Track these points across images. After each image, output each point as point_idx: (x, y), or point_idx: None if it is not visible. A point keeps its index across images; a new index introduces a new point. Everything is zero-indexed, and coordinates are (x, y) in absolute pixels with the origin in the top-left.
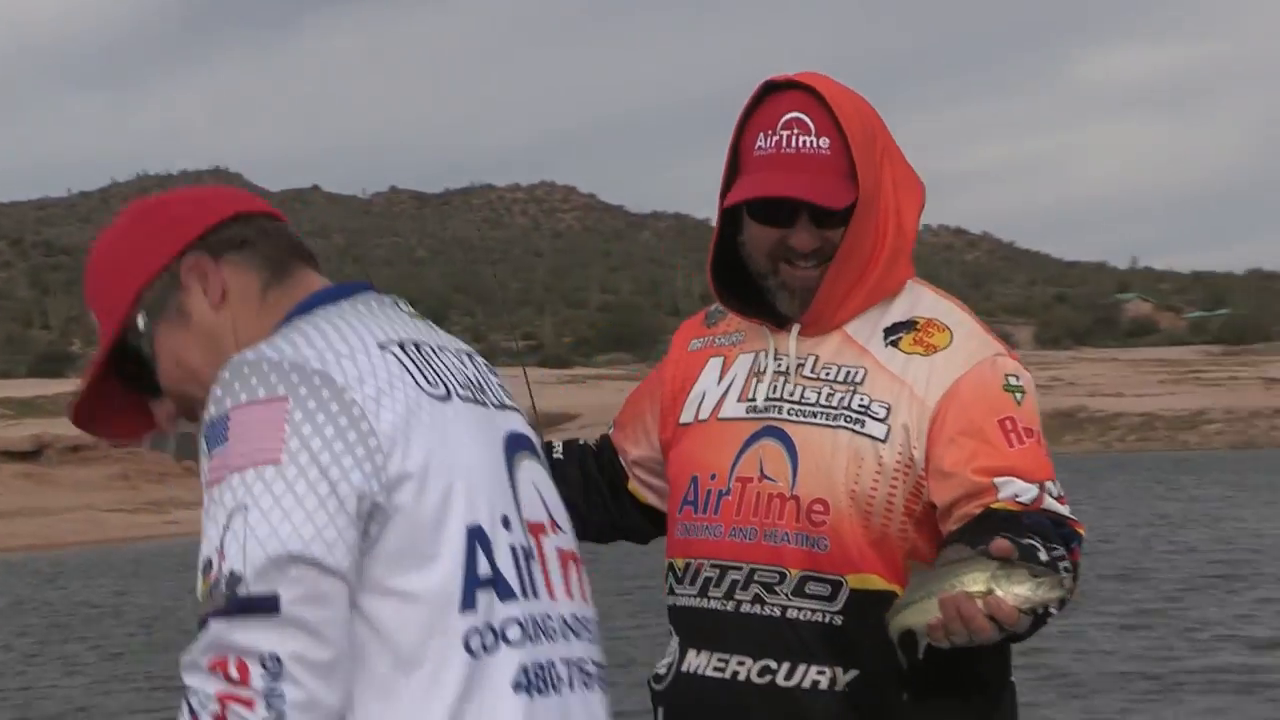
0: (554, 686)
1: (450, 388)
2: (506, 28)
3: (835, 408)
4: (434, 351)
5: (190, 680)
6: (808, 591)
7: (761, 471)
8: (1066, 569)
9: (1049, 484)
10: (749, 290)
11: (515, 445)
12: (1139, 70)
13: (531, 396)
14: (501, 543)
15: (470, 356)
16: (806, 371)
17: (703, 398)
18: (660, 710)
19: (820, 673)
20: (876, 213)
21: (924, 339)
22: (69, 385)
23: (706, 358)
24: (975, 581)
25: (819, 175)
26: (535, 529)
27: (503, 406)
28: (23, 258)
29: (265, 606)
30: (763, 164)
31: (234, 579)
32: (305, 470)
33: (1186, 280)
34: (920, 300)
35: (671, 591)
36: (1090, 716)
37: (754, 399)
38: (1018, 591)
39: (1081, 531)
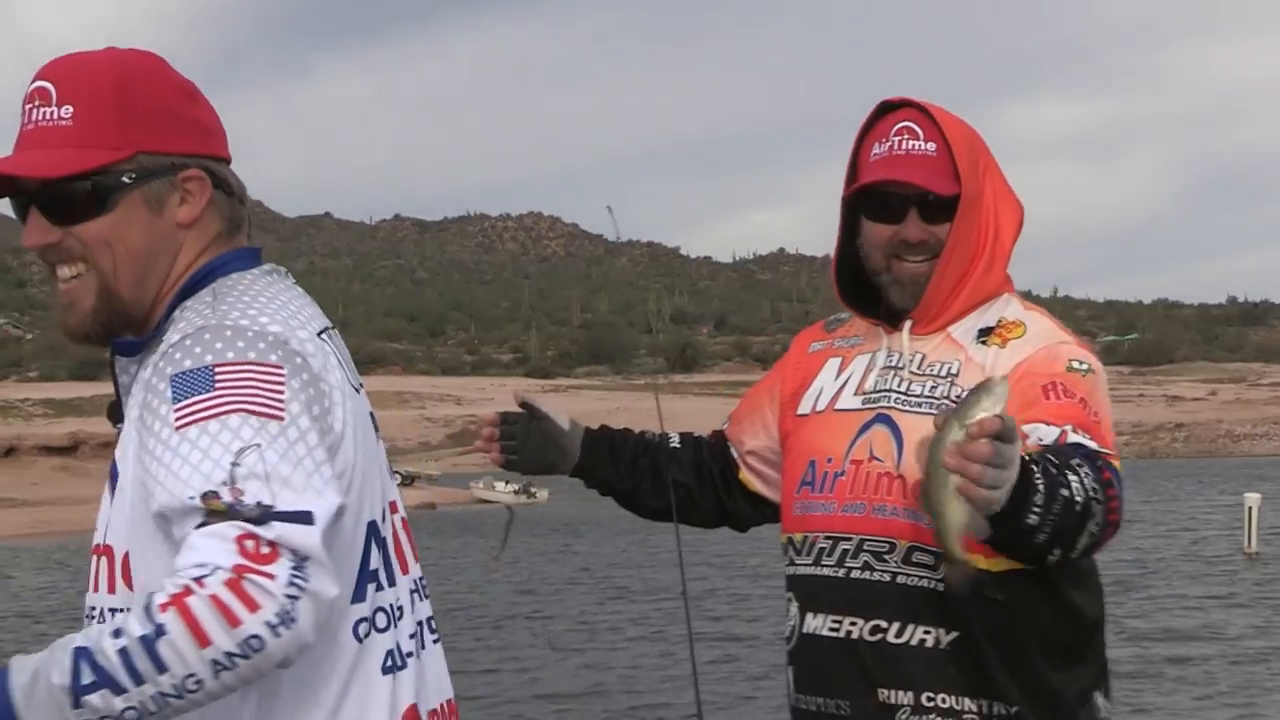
0: (409, 656)
1: (356, 380)
2: (501, 75)
3: (936, 398)
4: (335, 335)
5: (203, 553)
6: (914, 560)
7: (871, 453)
8: (1091, 483)
9: (1073, 428)
10: (866, 294)
11: (376, 428)
12: (1062, 121)
13: (660, 417)
14: (386, 533)
15: (340, 338)
16: (914, 368)
17: (820, 391)
18: (790, 669)
19: (926, 632)
20: (979, 212)
21: (1003, 334)
22: (105, 387)
23: (825, 358)
24: (949, 436)
25: (927, 170)
26: (392, 508)
27: (359, 389)
28: None
29: (301, 519)
30: (877, 166)
31: (263, 506)
32: (304, 435)
33: (1100, 308)
34: (1009, 307)
35: (791, 563)
36: None
37: (868, 391)
38: (979, 407)
39: (1110, 456)
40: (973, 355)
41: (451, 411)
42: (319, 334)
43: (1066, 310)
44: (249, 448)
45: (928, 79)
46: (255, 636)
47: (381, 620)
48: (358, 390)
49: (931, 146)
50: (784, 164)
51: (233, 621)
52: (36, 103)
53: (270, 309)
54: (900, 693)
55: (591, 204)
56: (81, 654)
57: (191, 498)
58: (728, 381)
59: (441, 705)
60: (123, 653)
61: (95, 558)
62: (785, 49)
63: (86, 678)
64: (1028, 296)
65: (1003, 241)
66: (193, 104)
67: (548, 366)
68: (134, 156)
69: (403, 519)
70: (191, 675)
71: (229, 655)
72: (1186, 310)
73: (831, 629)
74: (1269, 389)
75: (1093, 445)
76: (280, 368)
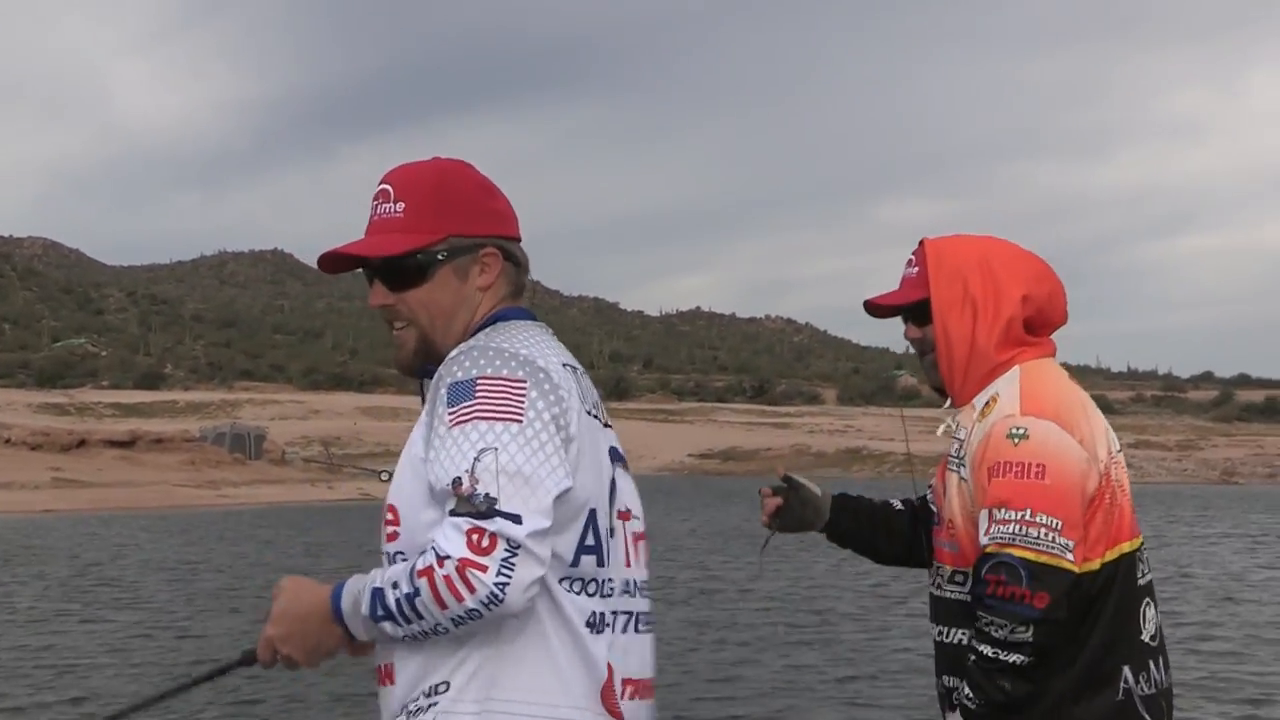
0: (615, 628)
1: (590, 405)
2: (486, 162)
3: (955, 457)
4: (582, 374)
5: (445, 541)
6: (955, 580)
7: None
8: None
9: (996, 511)
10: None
11: (614, 455)
12: (922, 215)
13: (907, 437)
14: (603, 523)
15: (589, 380)
16: (955, 433)
17: None
18: None
19: (963, 634)
20: (943, 320)
21: (987, 410)
22: (162, 395)
23: None
24: None
25: (906, 287)
26: (622, 516)
27: (606, 425)
28: (134, 305)
29: (514, 520)
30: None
31: (489, 499)
32: (539, 431)
33: None
34: (1006, 380)
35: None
36: None
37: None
38: None
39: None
40: (974, 423)
41: None
42: (567, 365)
43: (914, 363)
44: (488, 449)
45: (821, 175)
46: (473, 609)
47: (592, 587)
48: (597, 419)
49: (914, 270)
50: (703, 238)
51: (457, 598)
52: (380, 200)
53: (527, 342)
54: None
55: (550, 266)
56: (376, 594)
57: (447, 482)
58: (652, 409)
59: (641, 680)
60: (397, 602)
61: (383, 513)
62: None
63: (378, 612)
64: (885, 352)
65: (979, 348)
66: (490, 198)
67: None
68: (446, 239)
69: (635, 532)
70: (439, 624)
71: (457, 618)
72: None
73: (933, 633)
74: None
75: (1007, 558)
76: (524, 381)
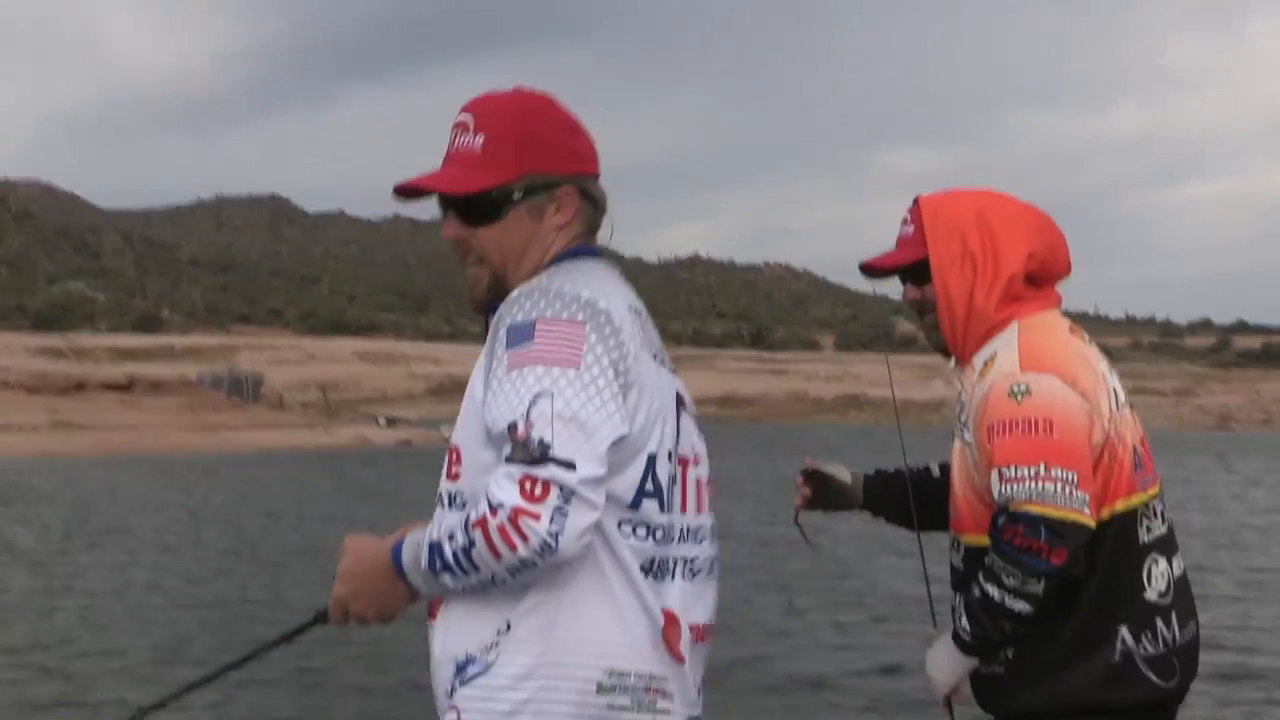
0: (668, 574)
1: (653, 350)
2: None
3: (958, 420)
4: (646, 318)
5: (498, 490)
6: (955, 547)
7: None
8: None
9: (1007, 470)
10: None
11: (678, 401)
12: (918, 164)
13: (892, 386)
14: (662, 469)
15: (652, 324)
16: (960, 396)
17: None
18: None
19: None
20: (943, 279)
21: (986, 369)
22: (159, 340)
23: None
24: None
25: (902, 247)
26: (685, 461)
27: (672, 370)
28: (131, 248)
29: (567, 466)
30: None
31: (543, 444)
32: (596, 378)
33: None
34: (1004, 338)
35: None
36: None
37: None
38: None
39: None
40: (973, 384)
41: (432, 370)
42: (631, 307)
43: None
44: (544, 394)
45: (820, 122)
46: (527, 558)
47: (655, 533)
48: (661, 364)
49: (910, 230)
50: (702, 186)
51: (511, 547)
52: (459, 130)
53: (590, 284)
54: None
55: None
56: (433, 548)
57: (502, 426)
58: None
59: (700, 624)
60: (454, 554)
61: (446, 452)
62: (711, 94)
63: (436, 564)
64: (884, 299)
65: (977, 307)
66: (572, 135)
67: None
68: (524, 176)
69: (700, 478)
70: (495, 575)
71: (512, 567)
72: None
73: None
74: None
75: (1025, 513)
76: (584, 325)
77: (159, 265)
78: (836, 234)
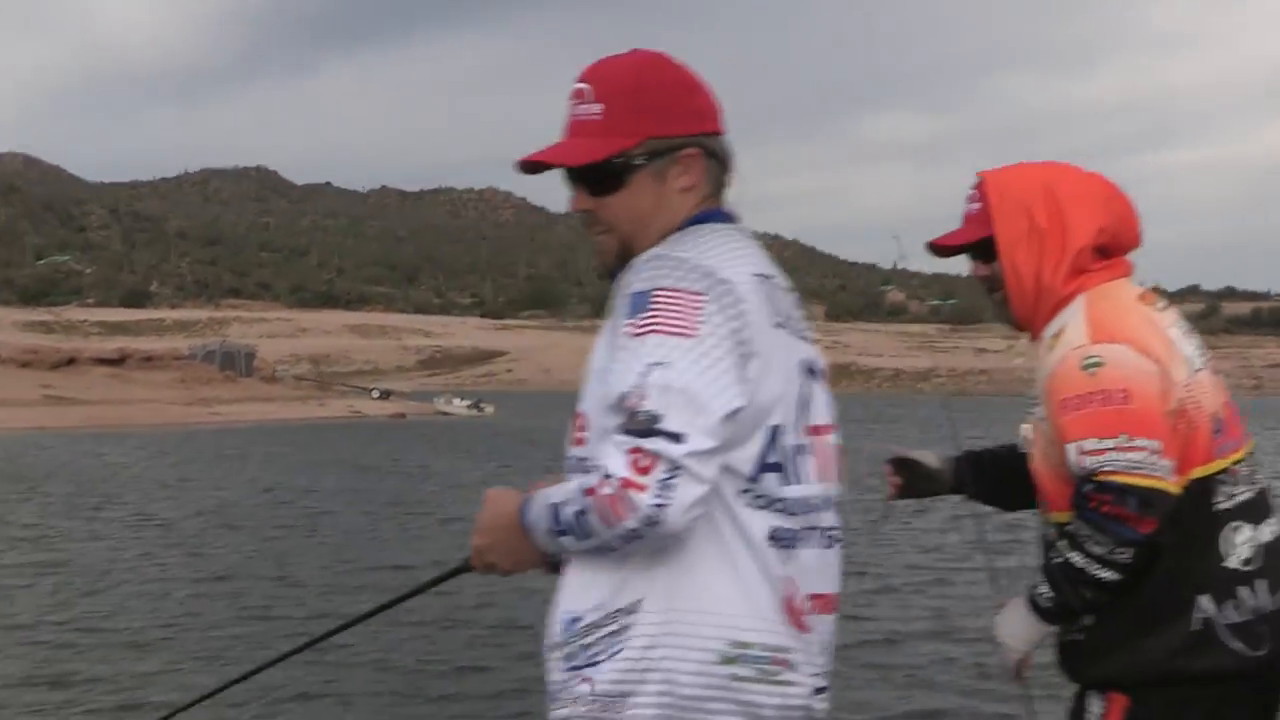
0: (801, 544)
1: (781, 318)
2: (469, 75)
3: (1033, 397)
4: (776, 284)
5: (609, 460)
6: (1046, 522)
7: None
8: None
9: (1088, 442)
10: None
11: (808, 368)
12: (901, 131)
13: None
14: (787, 439)
15: (788, 290)
16: (1033, 374)
17: None
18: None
19: None
20: (1010, 256)
21: (1055, 343)
22: (149, 313)
23: None
24: None
25: (969, 224)
26: (815, 430)
27: (803, 338)
28: (117, 222)
29: (675, 439)
30: None
31: (653, 416)
32: (713, 348)
33: (929, 279)
34: (1072, 311)
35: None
36: None
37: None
38: None
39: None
40: (1043, 358)
41: (422, 342)
42: (758, 275)
43: (903, 280)
44: (658, 364)
45: (812, 88)
46: (633, 529)
47: (777, 504)
48: (791, 332)
49: (976, 207)
50: None
51: (618, 517)
52: (576, 100)
53: (714, 250)
54: None
55: (539, 183)
56: (554, 509)
57: (617, 395)
58: None
59: (825, 594)
60: (570, 517)
61: (572, 419)
62: (691, 58)
63: (557, 526)
64: (872, 268)
65: (1044, 282)
66: (691, 94)
67: (499, 310)
68: (644, 141)
69: (830, 447)
70: (606, 541)
71: (622, 536)
72: None
73: None
74: None
75: (1100, 480)
76: (703, 294)
77: (146, 238)
78: (823, 201)
